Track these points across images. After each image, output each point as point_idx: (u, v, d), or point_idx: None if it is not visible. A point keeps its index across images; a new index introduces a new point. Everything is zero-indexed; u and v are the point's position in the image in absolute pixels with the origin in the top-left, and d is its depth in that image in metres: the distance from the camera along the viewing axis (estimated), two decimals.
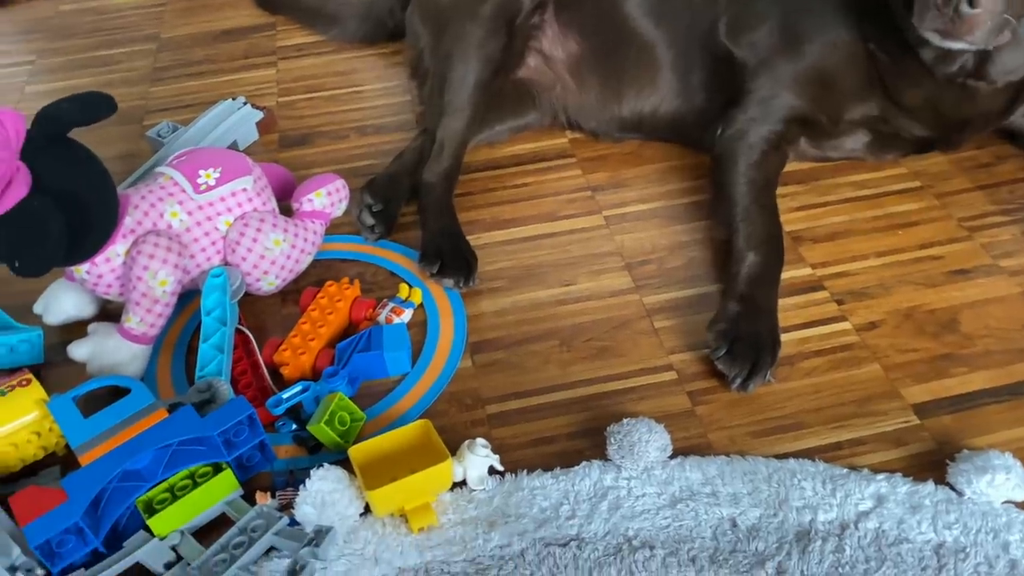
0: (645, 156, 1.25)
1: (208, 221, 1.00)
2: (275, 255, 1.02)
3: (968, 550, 0.76)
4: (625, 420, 0.85)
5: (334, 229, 1.13)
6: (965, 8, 0.88)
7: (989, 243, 1.08)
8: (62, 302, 1.02)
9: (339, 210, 1.10)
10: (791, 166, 1.17)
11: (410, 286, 1.05)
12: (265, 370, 0.95)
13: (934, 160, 1.21)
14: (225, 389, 0.88)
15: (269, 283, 1.03)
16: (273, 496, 0.82)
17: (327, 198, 1.08)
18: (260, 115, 1.32)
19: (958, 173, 1.19)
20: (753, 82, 1.12)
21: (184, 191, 1.00)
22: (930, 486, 0.81)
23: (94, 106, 0.89)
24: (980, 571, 0.74)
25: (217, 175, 1.01)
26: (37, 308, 1.03)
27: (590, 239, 1.12)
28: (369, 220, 1.12)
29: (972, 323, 0.98)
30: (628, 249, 1.10)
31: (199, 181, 1.01)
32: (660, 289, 1.05)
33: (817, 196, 1.17)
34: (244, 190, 1.02)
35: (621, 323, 1.01)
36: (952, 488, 0.81)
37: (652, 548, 0.77)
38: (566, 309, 1.03)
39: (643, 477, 0.83)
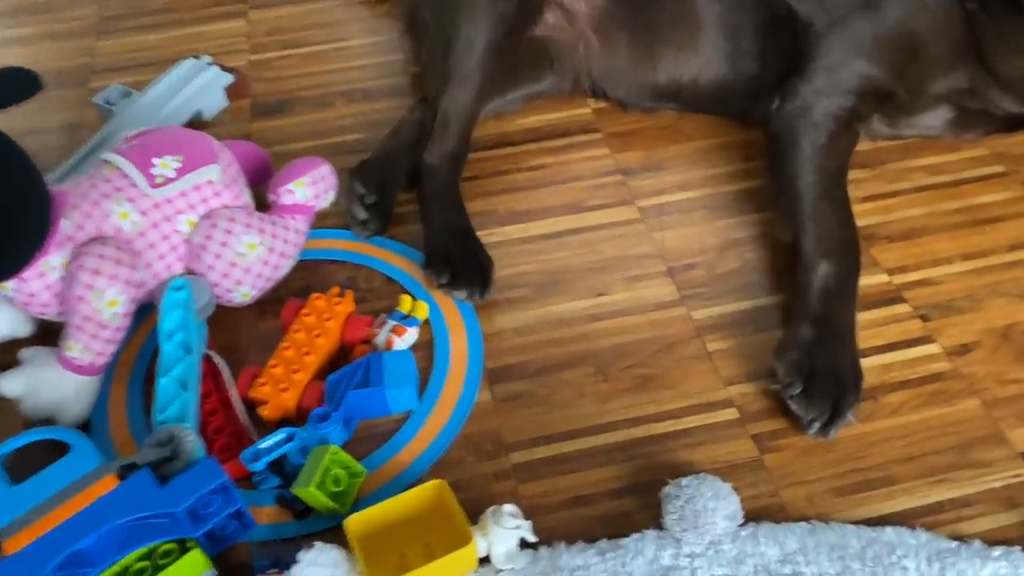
0: (684, 132, 1.07)
1: (167, 222, 0.82)
2: (250, 261, 0.84)
3: None
4: (684, 481, 0.70)
5: (318, 221, 0.95)
6: None
7: None
8: None
9: (325, 202, 0.92)
10: None
11: (413, 298, 0.88)
12: (241, 408, 0.78)
13: (1017, 140, 1.04)
14: (191, 441, 0.71)
15: (243, 294, 0.86)
16: None
17: (310, 188, 0.90)
18: (230, 79, 1.12)
19: None
20: (820, 46, 0.94)
21: (135, 185, 0.81)
22: None
23: (11, 89, 0.69)
24: None
25: (177, 164, 0.83)
26: None
27: (624, 236, 0.95)
28: (362, 214, 0.94)
29: None
30: (670, 249, 0.93)
31: (154, 172, 0.82)
32: (711, 301, 0.88)
33: (886, 184, 1.00)
34: (210, 182, 0.84)
35: (667, 345, 0.84)
36: None
37: None
38: (600, 326, 0.86)
39: (708, 554, 0.68)
